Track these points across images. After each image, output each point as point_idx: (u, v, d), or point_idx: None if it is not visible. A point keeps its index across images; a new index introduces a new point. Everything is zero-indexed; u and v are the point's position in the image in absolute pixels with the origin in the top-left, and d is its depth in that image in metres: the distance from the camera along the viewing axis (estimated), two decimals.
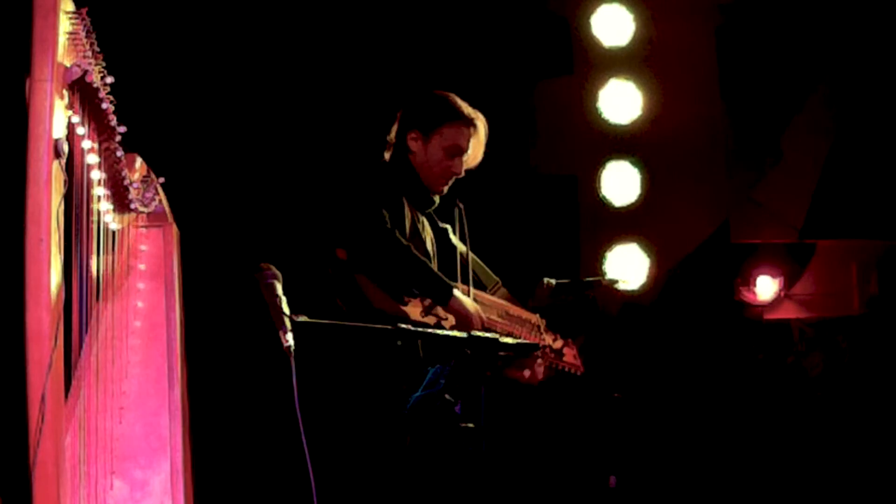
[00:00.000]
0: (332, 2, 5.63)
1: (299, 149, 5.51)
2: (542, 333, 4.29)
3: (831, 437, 5.95)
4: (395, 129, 4.26)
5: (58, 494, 2.41)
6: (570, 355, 4.37)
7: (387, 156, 4.26)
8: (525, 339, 4.19)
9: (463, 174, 4.24)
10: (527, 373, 4.17)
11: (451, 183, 4.24)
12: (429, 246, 4.27)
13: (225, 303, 4.96)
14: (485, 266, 4.36)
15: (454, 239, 4.35)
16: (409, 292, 4.00)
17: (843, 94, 6.15)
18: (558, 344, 4.32)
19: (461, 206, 4.30)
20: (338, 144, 5.50)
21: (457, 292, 3.99)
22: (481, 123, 4.23)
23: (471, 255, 4.31)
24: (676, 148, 6.08)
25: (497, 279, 4.35)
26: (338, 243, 4.06)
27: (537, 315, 4.31)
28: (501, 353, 4.06)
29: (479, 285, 4.29)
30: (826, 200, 6.13)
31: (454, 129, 4.17)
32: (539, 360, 4.19)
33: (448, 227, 4.38)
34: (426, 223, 4.33)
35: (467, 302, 4.01)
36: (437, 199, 4.28)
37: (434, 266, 4.21)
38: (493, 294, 4.31)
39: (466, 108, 4.21)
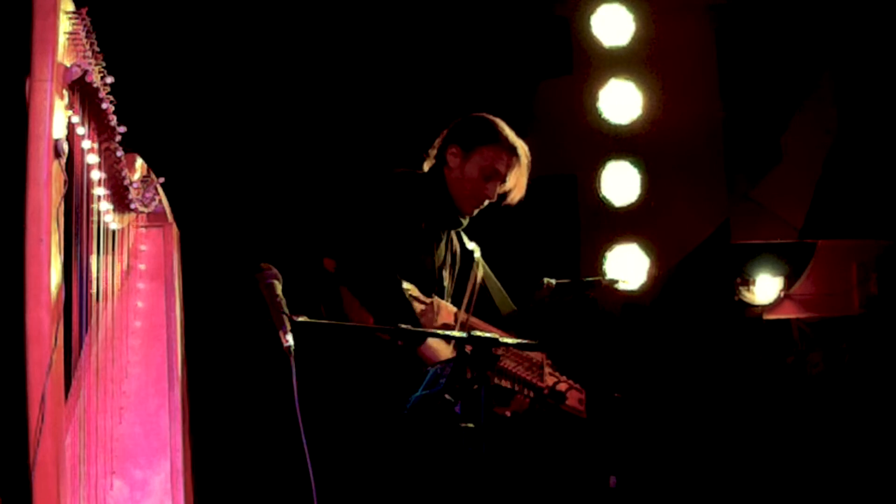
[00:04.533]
0: (331, 1, 5.63)
1: (299, 149, 5.51)
2: (543, 373, 4.17)
3: (831, 437, 5.95)
4: (438, 142, 4.25)
5: (58, 494, 2.41)
6: (574, 399, 4.24)
7: (425, 167, 4.25)
8: (524, 377, 4.08)
9: (494, 199, 4.21)
10: (510, 411, 4.13)
11: (482, 206, 4.22)
12: (449, 263, 4.25)
13: (225, 303, 4.96)
14: (505, 294, 4.32)
15: (480, 262, 4.32)
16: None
17: (843, 93, 6.15)
18: (562, 386, 4.16)
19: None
20: (337, 145, 5.51)
21: (430, 340, 3.87)
22: (524, 154, 4.20)
23: (493, 282, 4.27)
24: (676, 148, 6.08)
25: (514, 307, 4.30)
26: (327, 253, 4.04)
27: (543, 354, 4.19)
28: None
29: (494, 311, 4.25)
30: (826, 200, 6.13)
31: (494, 151, 4.15)
32: (524, 396, 4.13)
33: (476, 247, 4.35)
34: (455, 240, 4.31)
35: (441, 351, 3.89)
36: (464, 221, 4.25)
37: (448, 283, 4.20)
38: (504, 324, 4.25)
39: (511, 136, 4.19)
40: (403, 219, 4.05)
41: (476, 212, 4.23)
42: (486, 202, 4.21)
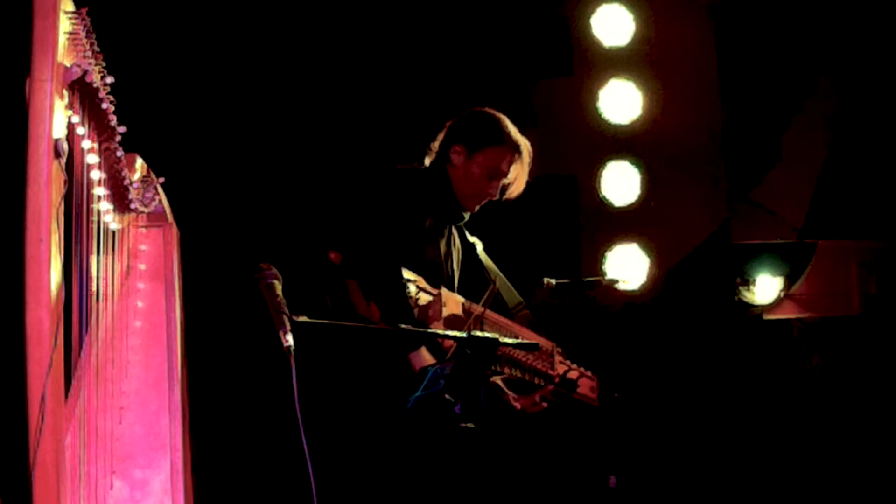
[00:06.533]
0: (330, 0, 5.63)
1: (299, 148, 5.51)
2: (554, 362, 4.20)
3: (831, 437, 5.95)
4: (441, 137, 4.26)
5: (58, 494, 2.41)
6: (586, 387, 4.26)
7: (426, 161, 4.26)
8: (535, 366, 4.12)
9: (497, 197, 4.24)
10: (518, 403, 4.15)
11: (483, 203, 4.24)
12: (454, 256, 4.26)
13: (225, 303, 4.96)
14: (511, 287, 4.33)
15: (483, 256, 4.35)
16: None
17: (843, 92, 6.15)
18: (573, 374, 4.19)
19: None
20: (337, 144, 5.51)
21: (423, 350, 3.91)
22: (526, 151, 4.23)
23: (499, 276, 4.29)
24: (676, 148, 6.07)
25: (521, 300, 4.31)
26: (332, 246, 4.05)
27: (553, 343, 4.22)
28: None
29: (502, 304, 4.26)
30: (826, 200, 6.13)
31: (498, 151, 4.18)
32: (536, 394, 4.15)
33: (477, 240, 4.37)
34: (456, 235, 4.32)
35: (429, 360, 3.91)
36: (466, 215, 4.27)
37: (456, 277, 4.21)
38: (514, 315, 4.27)
39: (515, 134, 4.22)
40: (408, 213, 4.06)
41: (478, 208, 4.24)
42: (488, 199, 4.22)
